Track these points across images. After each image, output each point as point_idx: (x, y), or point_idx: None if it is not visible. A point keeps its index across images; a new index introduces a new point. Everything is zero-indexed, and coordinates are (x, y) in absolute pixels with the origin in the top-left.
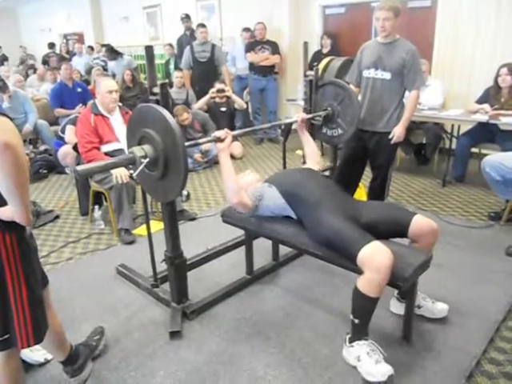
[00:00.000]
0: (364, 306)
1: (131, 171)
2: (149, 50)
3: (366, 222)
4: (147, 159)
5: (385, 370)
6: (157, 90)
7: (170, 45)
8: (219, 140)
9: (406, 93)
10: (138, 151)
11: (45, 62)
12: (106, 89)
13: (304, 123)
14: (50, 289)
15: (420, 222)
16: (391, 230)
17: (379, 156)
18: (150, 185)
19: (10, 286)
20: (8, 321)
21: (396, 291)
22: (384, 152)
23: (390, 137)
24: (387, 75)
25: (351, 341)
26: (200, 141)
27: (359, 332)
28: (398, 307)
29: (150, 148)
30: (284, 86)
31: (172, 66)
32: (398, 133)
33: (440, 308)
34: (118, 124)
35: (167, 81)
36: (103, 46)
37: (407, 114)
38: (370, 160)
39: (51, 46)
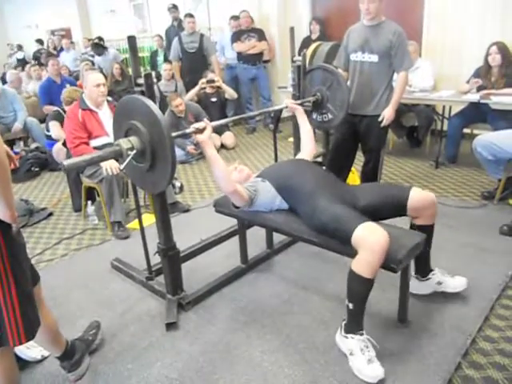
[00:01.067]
0: (358, 289)
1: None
2: (131, 40)
3: (364, 205)
4: (134, 151)
5: (376, 373)
6: (141, 80)
7: (160, 36)
8: (199, 131)
9: (395, 75)
10: (124, 143)
11: (36, 58)
12: (93, 82)
13: (296, 107)
14: (41, 285)
15: (418, 195)
16: (390, 210)
17: (370, 139)
18: (138, 177)
19: None
20: None
21: (413, 272)
22: (374, 135)
23: (380, 119)
24: (375, 58)
25: (346, 331)
26: (186, 131)
27: (354, 321)
28: (419, 287)
29: (136, 140)
30: (275, 73)
31: (160, 58)
32: (387, 115)
33: (460, 281)
34: (107, 118)
35: (152, 71)
36: (90, 40)
37: (396, 96)
38: (361, 144)
39: (40, 42)
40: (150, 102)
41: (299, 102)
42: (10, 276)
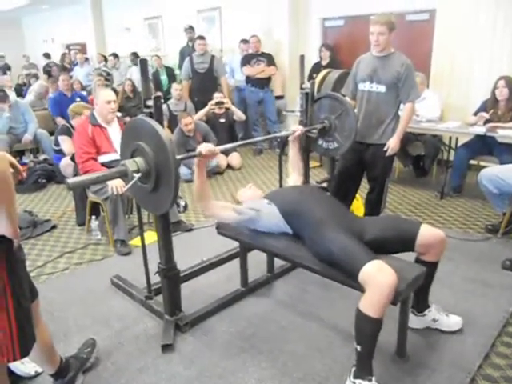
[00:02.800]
0: (366, 329)
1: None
2: (143, 62)
3: (371, 238)
4: (139, 174)
5: None
6: (151, 102)
7: (158, 56)
8: (201, 156)
9: (402, 105)
10: (130, 165)
11: (47, 72)
12: (104, 99)
13: (299, 136)
14: (39, 301)
15: (427, 233)
16: (398, 244)
17: (375, 168)
18: (142, 197)
19: None
20: None
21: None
22: (380, 164)
23: (385, 149)
24: (382, 88)
25: (355, 376)
26: (191, 154)
27: (363, 365)
28: (413, 321)
29: (142, 161)
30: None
31: (164, 77)
32: (392, 145)
33: (455, 321)
34: (116, 135)
35: (160, 94)
36: (103, 56)
37: (402, 126)
38: (366, 172)
39: (47, 56)
40: (157, 126)
41: (307, 128)
42: (9, 291)
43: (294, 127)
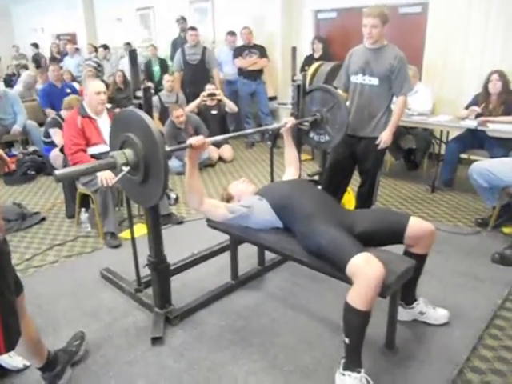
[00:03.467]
0: (354, 322)
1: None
2: (132, 53)
3: (361, 231)
4: (128, 167)
5: None
6: (140, 93)
7: (153, 46)
8: (191, 147)
9: (394, 98)
10: (119, 157)
11: (35, 60)
12: (93, 90)
13: (291, 128)
14: (29, 292)
15: (416, 225)
16: (387, 237)
17: (367, 161)
18: (131, 189)
19: None
20: None
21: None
22: (371, 157)
23: (377, 142)
24: (375, 81)
25: (344, 368)
26: (182, 146)
27: (352, 357)
28: (401, 314)
29: (131, 153)
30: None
31: (156, 68)
32: (384, 138)
33: (442, 314)
34: (106, 126)
35: (151, 84)
36: (94, 46)
37: (394, 119)
38: (358, 165)
39: (35, 46)
40: (146, 117)
41: (299, 121)
42: None
43: (285, 119)
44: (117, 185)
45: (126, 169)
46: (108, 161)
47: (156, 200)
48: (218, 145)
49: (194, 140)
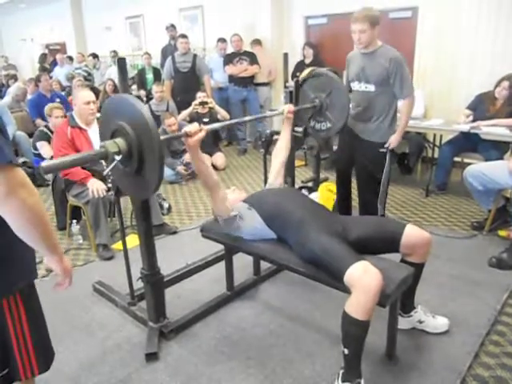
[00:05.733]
0: (353, 332)
1: (109, 185)
2: (121, 61)
3: (355, 238)
4: (120, 156)
5: None
6: None
7: (148, 54)
8: (187, 135)
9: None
10: (110, 146)
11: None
12: (83, 100)
13: (292, 116)
14: None
15: (412, 233)
16: (382, 245)
17: (366, 164)
18: (125, 181)
19: (6, 309)
20: (7, 351)
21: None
22: (371, 161)
23: (386, 146)
24: (371, 87)
25: (343, 379)
26: (172, 135)
27: (351, 368)
28: (400, 322)
29: (123, 142)
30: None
31: (150, 76)
32: (394, 141)
33: (442, 322)
34: (97, 136)
35: (142, 93)
36: (83, 55)
37: (402, 123)
38: (355, 166)
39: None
40: (138, 103)
41: (297, 108)
42: (18, 296)
43: (283, 106)
44: (109, 196)
45: (118, 158)
46: (99, 151)
47: (153, 189)
48: (210, 153)
49: (188, 128)
